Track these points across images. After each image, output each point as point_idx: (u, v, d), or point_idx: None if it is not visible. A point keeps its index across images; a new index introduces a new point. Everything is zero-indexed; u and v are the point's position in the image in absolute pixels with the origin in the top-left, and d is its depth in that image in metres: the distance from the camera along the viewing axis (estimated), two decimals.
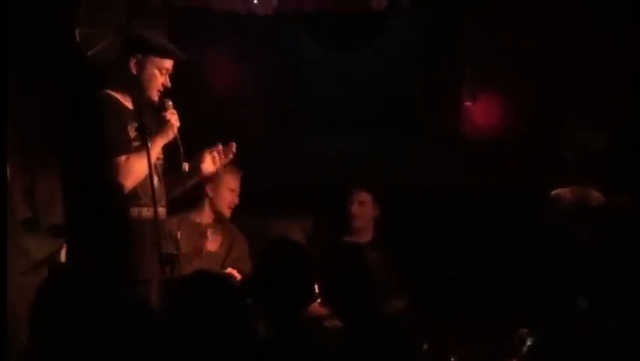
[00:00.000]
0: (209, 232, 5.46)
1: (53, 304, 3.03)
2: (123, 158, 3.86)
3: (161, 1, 5.33)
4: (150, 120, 4.05)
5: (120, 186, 3.85)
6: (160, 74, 4.03)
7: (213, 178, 5.31)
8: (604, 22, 5.56)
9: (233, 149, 4.26)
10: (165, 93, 4.07)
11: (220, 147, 4.26)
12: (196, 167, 4.22)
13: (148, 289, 3.93)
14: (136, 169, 3.86)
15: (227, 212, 5.48)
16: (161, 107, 4.03)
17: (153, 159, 3.91)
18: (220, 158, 4.26)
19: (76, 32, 5.23)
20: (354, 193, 5.65)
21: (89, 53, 5.24)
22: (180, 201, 4.97)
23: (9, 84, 4.38)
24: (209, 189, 5.47)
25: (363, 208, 5.63)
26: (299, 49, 6.40)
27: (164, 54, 4.06)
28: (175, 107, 4.06)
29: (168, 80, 4.07)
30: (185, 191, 4.38)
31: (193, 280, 2.86)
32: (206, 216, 5.52)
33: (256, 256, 3.62)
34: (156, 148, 3.95)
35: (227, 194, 5.46)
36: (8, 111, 4.39)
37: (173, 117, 3.99)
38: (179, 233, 4.96)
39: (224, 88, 6.13)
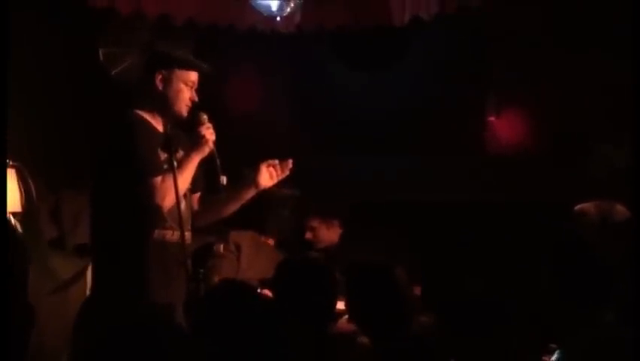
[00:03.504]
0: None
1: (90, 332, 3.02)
2: (159, 179, 3.79)
3: (185, 21, 5.34)
4: (180, 137, 4.01)
5: (158, 207, 3.78)
6: (186, 87, 3.96)
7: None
8: (625, 41, 5.56)
9: (290, 165, 4.14)
10: (198, 107, 3.99)
11: (277, 161, 4.13)
12: (252, 179, 4.07)
13: (173, 310, 3.90)
14: (173, 189, 3.77)
15: (289, 233, 5.38)
16: (195, 122, 3.94)
17: (190, 174, 3.87)
18: (277, 173, 4.13)
19: (100, 52, 5.27)
20: (306, 221, 5.45)
21: (113, 72, 5.28)
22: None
23: (9, 87, 4.36)
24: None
25: (316, 233, 5.42)
26: (322, 66, 6.42)
27: (188, 66, 3.99)
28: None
29: (195, 94, 3.99)
30: (242, 206, 4.17)
31: (223, 295, 2.85)
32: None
33: (278, 274, 3.59)
34: (192, 164, 3.88)
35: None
36: (7, 112, 4.35)
37: (208, 132, 3.90)
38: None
39: (250, 106, 6.14)
